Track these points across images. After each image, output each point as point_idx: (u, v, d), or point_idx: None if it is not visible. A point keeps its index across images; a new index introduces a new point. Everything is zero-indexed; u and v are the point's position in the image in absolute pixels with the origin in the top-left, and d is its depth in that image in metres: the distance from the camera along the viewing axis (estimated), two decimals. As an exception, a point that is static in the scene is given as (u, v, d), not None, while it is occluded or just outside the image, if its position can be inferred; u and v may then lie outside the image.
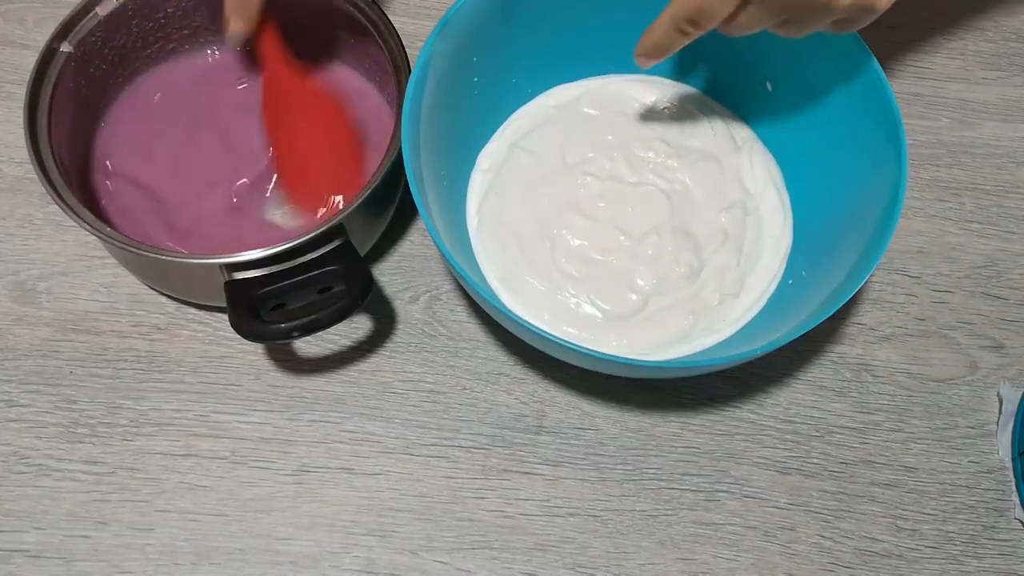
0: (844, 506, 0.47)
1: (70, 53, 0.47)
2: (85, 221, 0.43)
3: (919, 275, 0.54)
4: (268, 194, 0.49)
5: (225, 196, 0.50)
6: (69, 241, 0.51)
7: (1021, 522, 0.48)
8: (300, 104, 0.49)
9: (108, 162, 0.50)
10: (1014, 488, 0.48)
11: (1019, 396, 0.49)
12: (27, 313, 0.49)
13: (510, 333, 0.46)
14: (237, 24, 0.46)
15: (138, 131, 0.51)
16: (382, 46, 0.49)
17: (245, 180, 0.50)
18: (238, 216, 0.49)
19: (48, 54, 0.46)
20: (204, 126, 0.52)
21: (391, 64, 0.48)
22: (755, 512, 0.47)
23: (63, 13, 0.47)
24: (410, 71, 0.47)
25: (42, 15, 0.58)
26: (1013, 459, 0.48)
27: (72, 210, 0.43)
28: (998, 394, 0.50)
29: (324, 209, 0.48)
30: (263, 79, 0.50)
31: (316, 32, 0.54)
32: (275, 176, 0.50)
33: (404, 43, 0.48)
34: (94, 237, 0.45)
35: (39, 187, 0.52)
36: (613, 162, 0.52)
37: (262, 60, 0.49)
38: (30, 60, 0.46)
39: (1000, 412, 0.50)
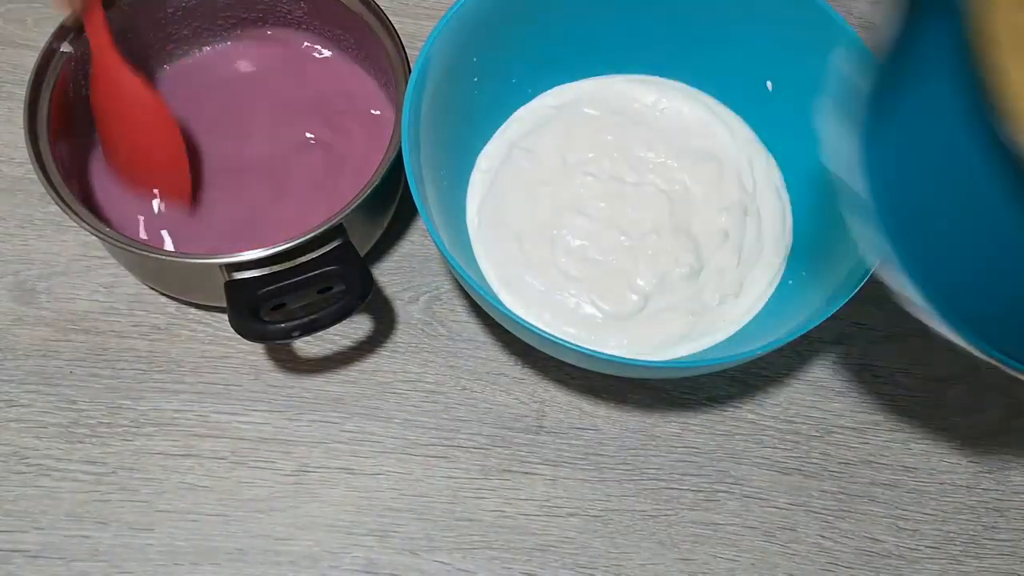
0: (844, 506, 0.47)
1: (70, 53, 0.47)
2: (85, 221, 0.43)
3: (919, 275, 0.54)
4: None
5: (226, 197, 0.50)
6: (69, 241, 0.51)
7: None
8: (120, 93, 0.48)
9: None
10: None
11: None
12: (27, 313, 0.49)
13: (510, 333, 0.46)
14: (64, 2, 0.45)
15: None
16: (382, 46, 0.49)
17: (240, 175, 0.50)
18: (233, 210, 0.49)
19: (48, 54, 0.46)
20: (204, 125, 0.52)
21: (391, 64, 0.48)
22: (755, 512, 0.47)
23: (63, 14, 0.47)
24: (410, 71, 0.47)
25: (42, 15, 0.58)
26: None
27: (72, 210, 0.43)
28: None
29: (150, 196, 0.49)
30: (91, 63, 0.48)
31: (316, 32, 0.54)
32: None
33: (404, 43, 0.48)
34: (94, 237, 0.45)
35: (39, 187, 0.52)
36: (613, 162, 0.52)
37: (90, 45, 0.48)
38: (30, 60, 0.46)
39: None
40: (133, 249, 0.42)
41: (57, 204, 0.43)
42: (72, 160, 0.48)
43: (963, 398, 0.51)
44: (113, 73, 0.47)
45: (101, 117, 0.48)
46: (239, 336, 0.41)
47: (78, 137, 0.49)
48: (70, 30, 0.47)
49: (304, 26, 0.54)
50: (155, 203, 0.49)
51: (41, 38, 0.46)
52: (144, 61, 0.52)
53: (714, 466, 0.48)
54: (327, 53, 0.54)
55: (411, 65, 0.47)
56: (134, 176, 0.49)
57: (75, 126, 0.48)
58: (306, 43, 0.54)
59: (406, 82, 0.45)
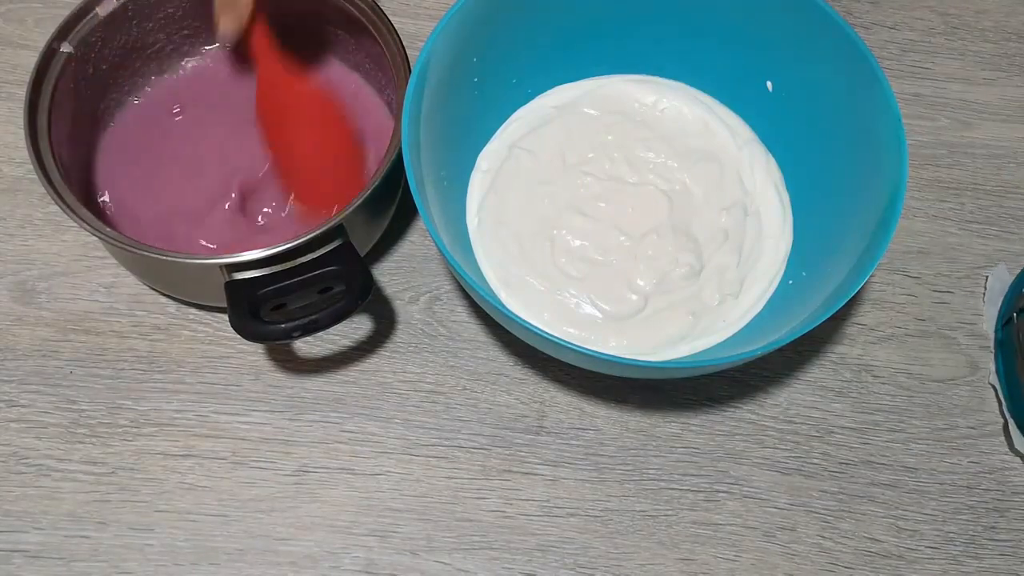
0: (844, 506, 0.47)
1: (70, 53, 0.47)
2: (85, 221, 0.43)
3: (919, 275, 0.54)
4: (285, 209, 0.49)
5: (225, 197, 0.50)
6: (69, 241, 0.51)
7: (993, 386, 0.51)
8: (295, 104, 0.49)
9: (109, 162, 0.50)
10: (991, 355, 0.51)
11: (1011, 278, 0.53)
12: (27, 313, 0.49)
13: (510, 333, 0.46)
14: (227, 23, 0.46)
15: (138, 131, 0.51)
16: (382, 46, 0.49)
17: (246, 181, 0.50)
18: (238, 216, 0.49)
19: (48, 54, 0.46)
20: (206, 127, 0.52)
21: (391, 64, 0.48)
22: (755, 512, 0.47)
23: (63, 13, 0.47)
24: (410, 71, 0.47)
25: (42, 15, 0.58)
26: (996, 330, 0.52)
27: (72, 210, 0.43)
28: (987, 276, 0.53)
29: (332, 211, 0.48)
30: (257, 79, 0.50)
31: (315, 32, 0.54)
32: (283, 183, 0.49)
33: (404, 43, 0.48)
34: (94, 237, 0.45)
35: (39, 187, 0.52)
36: (613, 162, 0.52)
37: (254, 60, 0.49)
38: (30, 60, 0.46)
39: (986, 288, 0.53)
40: (133, 249, 0.42)
41: (57, 204, 0.43)
42: (72, 160, 0.48)
43: (963, 398, 0.51)
44: (284, 85, 0.48)
45: (275, 133, 0.49)
46: (239, 336, 0.41)
47: (78, 137, 0.49)
48: (70, 30, 0.47)
49: (304, 26, 0.54)
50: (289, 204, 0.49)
51: (41, 38, 0.46)
52: (148, 64, 0.52)
53: (714, 466, 0.48)
54: (326, 53, 0.54)
55: (411, 65, 0.47)
56: (313, 185, 0.49)
57: (75, 126, 0.48)
58: (305, 43, 0.54)
59: (406, 82, 0.45)
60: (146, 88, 0.53)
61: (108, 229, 0.43)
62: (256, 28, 0.48)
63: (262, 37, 0.48)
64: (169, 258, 0.43)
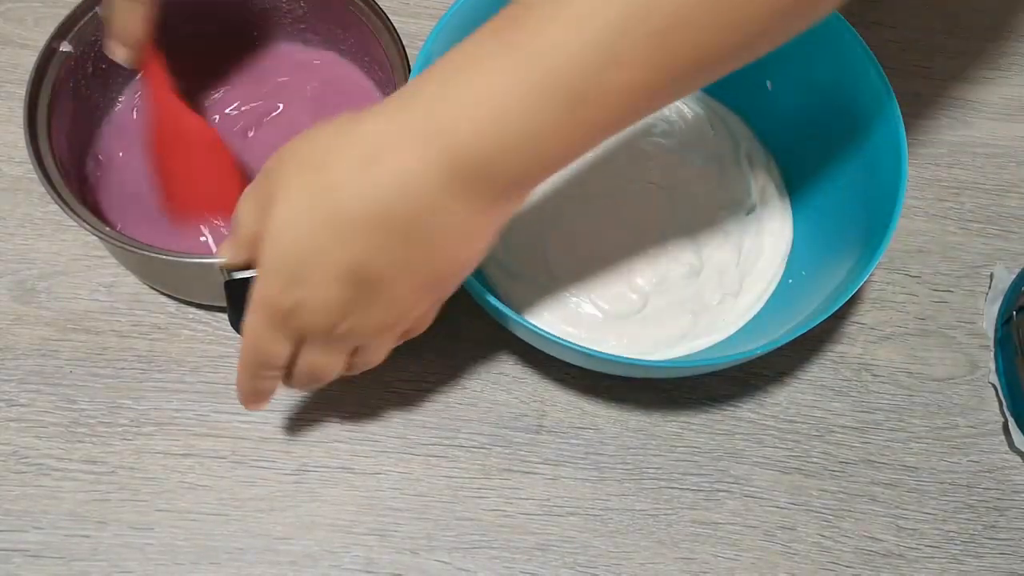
0: (844, 505, 0.47)
1: (70, 52, 0.47)
2: (85, 220, 0.43)
3: (919, 275, 0.54)
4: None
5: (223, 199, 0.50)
6: (69, 241, 0.51)
7: (993, 385, 0.50)
8: (179, 131, 0.48)
9: (109, 163, 0.50)
10: (991, 355, 0.52)
11: (1011, 277, 0.53)
12: (27, 313, 0.49)
13: (510, 333, 0.46)
14: (121, 51, 0.45)
15: (139, 132, 0.51)
16: (382, 46, 0.49)
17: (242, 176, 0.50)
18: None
19: (48, 53, 0.46)
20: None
21: (391, 63, 0.48)
22: (755, 511, 0.47)
23: (63, 13, 0.47)
24: (410, 70, 0.47)
25: (42, 15, 0.58)
26: (996, 328, 0.52)
27: (72, 209, 0.43)
28: (991, 274, 0.53)
29: (205, 228, 0.49)
30: (145, 105, 0.49)
31: (316, 31, 0.54)
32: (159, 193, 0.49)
33: (404, 43, 0.48)
34: (94, 237, 0.45)
35: (39, 187, 0.52)
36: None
37: (146, 87, 0.48)
38: (30, 60, 0.46)
39: (989, 288, 0.53)
40: (133, 249, 0.42)
41: (57, 203, 0.43)
42: (72, 159, 0.48)
43: (963, 397, 0.51)
44: (174, 114, 0.47)
45: (160, 154, 0.48)
46: (239, 336, 0.41)
47: (78, 136, 0.49)
48: (69, 29, 0.47)
49: (303, 25, 0.54)
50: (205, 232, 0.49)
51: (41, 38, 0.46)
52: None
53: (714, 466, 0.48)
54: (327, 52, 0.54)
55: (411, 65, 0.47)
56: (192, 203, 0.49)
57: (75, 125, 0.48)
58: (304, 44, 0.54)
59: (406, 82, 0.45)
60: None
61: (108, 229, 0.43)
62: (152, 59, 0.46)
63: (155, 68, 0.46)
64: (169, 258, 0.43)
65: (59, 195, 0.43)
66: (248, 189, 0.35)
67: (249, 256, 0.35)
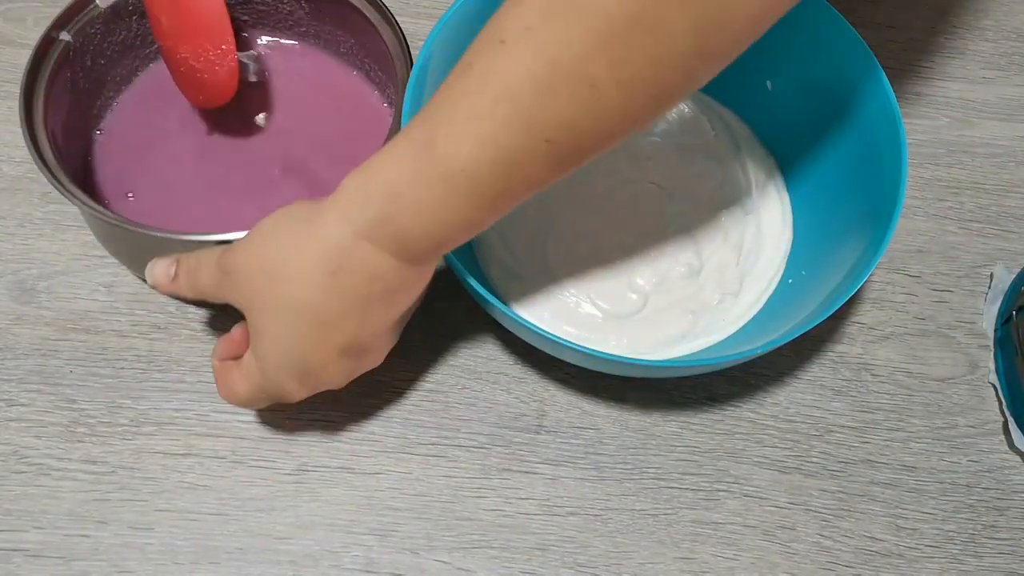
0: (844, 505, 0.47)
1: (68, 42, 0.46)
2: (84, 202, 0.42)
3: (919, 274, 0.54)
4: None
5: (221, 194, 0.49)
6: (69, 240, 0.51)
7: (992, 385, 0.50)
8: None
9: (106, 155, 0.50)
10: (991, 355, 0.52)
11: (1011, 277, 0.53)
12: (27, 313, 0.49)
13: (510, 333, 0.46)
14: None
15: (136, 129, 0.51)
16: (386, 45, 0.49)
17: (242, 178, 0.50)
18: (235, 210, 0.49)
19: (46, 42, 0.45)
20: (202, 125, 0.52)
21: (393, 63, 0.48)
22: (755, 511, 0.47)
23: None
24: (410, 66, 0.47)
25: (42, 15, 0.58)
26: (996, 328, 0.52)
27: (66, 190, 0.42)
28: (991, 273, 0.53)
29: (223, 67, 0.48)
30: None
31: (317, 32, 0.54)
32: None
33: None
34: (93, 236, 0.45)
35: (39, 186, 0.52)
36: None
37: None
38: (30, 59, 0.46)
39: (989, 288, 0.53)
40: (133, 229, 0.42)
41: (51, 183, 0.42)
42: (68, 146, 0.47)
43: (963, 397, 0.51)
44: None
45: (161, 29, 0.47)
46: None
47: (76, 130, 0.49)
48: (69, 20, 0.46)
49: (304, 27, 0.54)
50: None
51: (41, 37, 0.46)
52: (143, 62, 0.52)
53: (714, 465, 0.48)
54: (324, 54, 0.54)
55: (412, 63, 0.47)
56: (189, 73, 0.48)
57: (71, 118, 0.48)
58: (304, 44, 0.54)
59: (408, 80, 0.45)
60: (145, 85, 0.52)
61: (104, 210, 0.42)
62: None
63: None
64: (166, 236, 0.42)
65: (55, 177, 0.42)
66: (212, 255, 0.40)
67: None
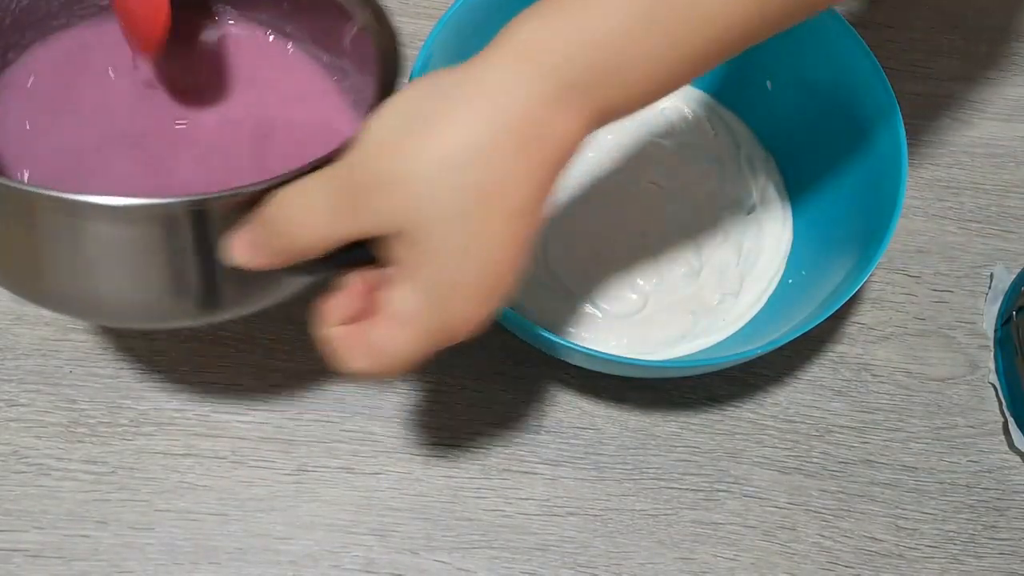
0: (844, 505, 0.48)
1: None
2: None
3: (919, 275, 0.54)
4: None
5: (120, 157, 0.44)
6: (69, 241, 0.51)
7: (992, 385, 0.50)
8: None
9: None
10: (991, 355, 0.52)
11: (1011, 277, 0.52)
12: (27, 312, 0.49)
13: (510, 333, 0.46)
14: None
15: (24, 108, 0.44)
16: (382, 44, 0.48)
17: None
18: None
19: None
20: (98, 108, 0.45)
21: (386, 64, 0.46)
22: (755, 511, 0.47)
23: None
24: (398, 66, 0.46)
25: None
26: (996, 329, 0.52)
27: None
28: (991, 274, 0.53)
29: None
30: None
31: (298, 23, 0.51)
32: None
33: (404, 43, 0.48)
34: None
35: (39, 187, 0.52)
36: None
37: None
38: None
39: (989, 288, 0.53)
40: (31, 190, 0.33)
41: None
42: None
43: (963, 397, 0.51)
44: None
45: None
46: (239, 335, 0.41)
47: None
48: None
49: (282, 18, 0.51)
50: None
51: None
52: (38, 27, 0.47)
53: (714, 465, 0.48)
54: (297, 48, 0.51)
55: (400, 60, 0.46)
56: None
57: None
58: (278, 36, 0.51)
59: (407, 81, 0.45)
60: (37, 51, 0.45)
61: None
62: None
63: None
64: (67, 196, 0.31)
65: None
66: (310, 183, 0.31)
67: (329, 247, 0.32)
